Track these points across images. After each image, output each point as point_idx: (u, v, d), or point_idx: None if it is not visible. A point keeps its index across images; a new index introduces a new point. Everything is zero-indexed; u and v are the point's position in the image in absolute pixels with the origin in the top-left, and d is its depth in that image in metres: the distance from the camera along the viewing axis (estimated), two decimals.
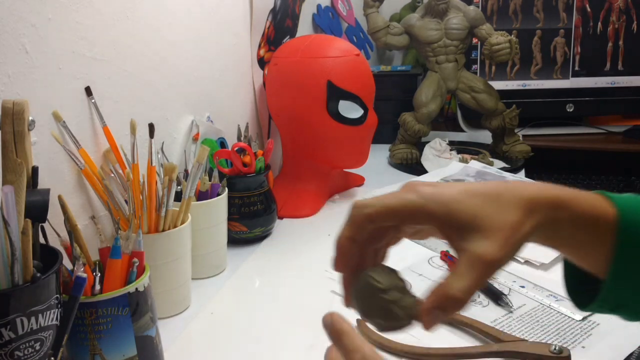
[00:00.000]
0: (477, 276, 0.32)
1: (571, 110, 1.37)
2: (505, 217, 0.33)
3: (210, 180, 0.73)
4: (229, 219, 0.76)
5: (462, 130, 1.42)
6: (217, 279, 0.72)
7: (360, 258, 0.37)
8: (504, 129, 1.16)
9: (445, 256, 0.74)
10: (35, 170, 0.44)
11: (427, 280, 0.69)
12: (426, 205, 0.34)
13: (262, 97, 1.03)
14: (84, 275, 0.44)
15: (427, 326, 0.33)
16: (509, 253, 0.33)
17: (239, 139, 0.85)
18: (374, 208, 0.34)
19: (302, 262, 0.76)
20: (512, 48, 1.10)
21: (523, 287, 0.66)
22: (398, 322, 0.34)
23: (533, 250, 0.75)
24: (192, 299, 0.67)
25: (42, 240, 0.45)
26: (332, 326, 0.34)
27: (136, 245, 0.51)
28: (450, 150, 1.19)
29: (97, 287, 0.48)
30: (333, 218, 0.91)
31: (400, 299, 0.34)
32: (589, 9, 1.34)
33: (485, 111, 1.17)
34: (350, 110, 0.90)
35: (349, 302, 0.38)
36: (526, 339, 0.56)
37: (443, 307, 0.32)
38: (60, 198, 0.48)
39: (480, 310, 0.62)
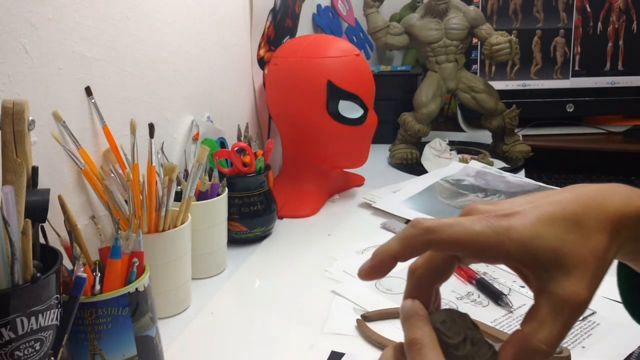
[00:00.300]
0: (564, 323, 0.28)
1: (571, 110, 1.37)
2: (590, 246, 0.29)
3: (210, 180, 0.73)
4: (229, 219, 0.76)
5: (462, 130, 1.42)
6: (217, 279, 0.72)
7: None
8: (504, 129, 1.16)
9: None
10: (35, 170, 0.44)
11: None
12: (501, 243, 0.29)
13: (262, 97, 1.03)
14: (84, 275, 0.44)
15: None
16: (597, 287, 0.29)
17: (239, 139, 0.85)
18: (439, 236, 0.30)
19: (302, 262, 0.76)
20: (512, 48, 1.10)
21: (523, 287, 0.66)
22: None
23: None
24: (192, 299, 0.67)
25: (42, 240, 0.45)
26: (407, 308, 0.32)
27: (136, 245, 0.51)
28: (450, 150, 1.19)
29: (97, 287, 0.48)
30: (333, 218, 0.91)
31: (474, 352, 0.31)
32: (589, 9, 1.34)
33: (485, 111, 1.17)
34: (350, 110, 0.90)
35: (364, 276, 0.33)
36: None
37: None
38: (60, 198, 0.48)
39: (481, 311, 0.62)
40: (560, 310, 0.28)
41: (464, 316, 0.32)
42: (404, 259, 0.31)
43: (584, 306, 0.28)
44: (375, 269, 0.32)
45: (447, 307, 0.64)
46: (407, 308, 0.32)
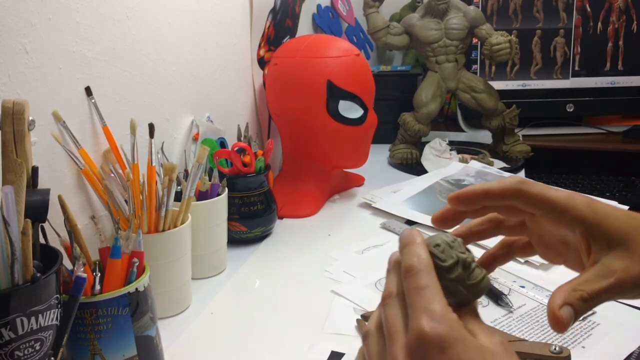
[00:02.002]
0: (608, 287, 0.32)
1: (571, 110, 1.37)
2: None
3: (210, 180, 0.73)
4: (229, 219, 0.76)
5: (462, 130, 1.42)
6: (217, 279, 0.72)
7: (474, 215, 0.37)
8: (504, 129, 1.16)
9: None
10: (35, 170, 0.44)
11: None
12: (580, 210, 0.34)
13: (262, 97, 1.03)
14: (84, 275, 0.44)
15: (560, 326, 0.32)
16: None
17: (239, 139, 0.85)
18: (530, 187, 0.35)
19: (302, 262, 0.76)
20: (512, 48, 1.10)
21: (523, 287, 0.66)
22: (463, 300, 0.33)
23: None
24: (192, 299, 0.67)
25: (42, 240, 0.45)
26: (405, 236, 0.34)
27: (136, 245, 0.51)
28: (450, 150, 1.19)
29: (97, 287, 0.48)
30: (333, 218, 0.91)
31: (465, 276, 0.33)
32: (589, 9, 1.34)
33: (485, 111, 1.17)
34: (350, 110, 0.90)
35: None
36: (526, 339, 0.56)
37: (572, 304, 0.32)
38: (60, 198, 0.48)
39: (481, 310, 0.61)
40: (608, 277, 0.32)
41: (459, 241, 0.34)
42: (492, 197, 0.36)
43: (629, 282, 0.32)
44: (466, 195, 0.37)
45: None
46: (405, 235, 0.34)
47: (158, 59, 0.73)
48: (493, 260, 0.41)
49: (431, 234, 0.35)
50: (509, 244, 0.41)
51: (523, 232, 0.39)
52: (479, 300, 0.34)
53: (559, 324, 0.32)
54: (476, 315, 0.33)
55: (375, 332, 0.33)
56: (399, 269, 0.33)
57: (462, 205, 0.37)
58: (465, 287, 0.33)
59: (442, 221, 0.38)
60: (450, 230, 0.39)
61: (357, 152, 0.95)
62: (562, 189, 0.35)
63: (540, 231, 0.38)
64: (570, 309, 0.32)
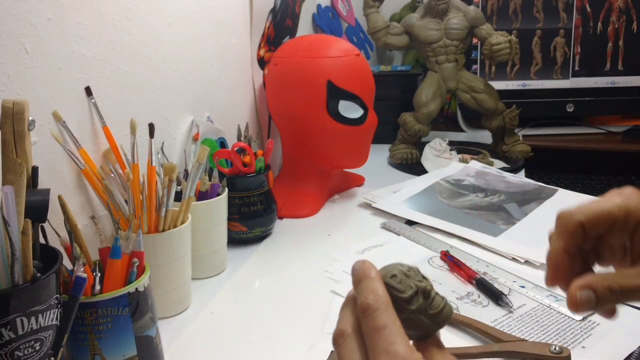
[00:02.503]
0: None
1: (571, 110, 1.37)
2: None
3: (210, 180, 0.73)
4: (229, 219, 0.76)
5: (462, 131, 1.42)
6: (217, 279, 0.72)
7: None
8: (504, 129, 1.16)
9: (445, 256, 0.73)
10: (35, 170, 0.44)
11: None
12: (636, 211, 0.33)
13: (262, 97, 1.03)
14: (84, 275, 0.44)
15: (573, 305, 0.33)
16: None
17: (239, 139, 0.85)
18: (585, 211, 0.34)
19: (302, 262, 0.76)
20: (512, 48, 1.10)
21: (523, 287, 0.66)
22: (426, 330, 0.32)
23: (533, 250, 0.76)
24: (192, 299, 0.67)
25: (42, 240, 0.45)
26: (357, 270, 0.33)
27: (136, 245, 0.51)
28: (450, 150, 1.19)
29: (97, 287, 0.48)
30: (333, 218, 0.91)
31: (427, 305, 0.31)
32: (589, 9, 1.33)
33: (485, 111, 1.17)
34: (350, 110, 0.90)
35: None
36: (526, 339, 0.56)
37: (597, 290, 0.32)
38: (60, 198, 0.48)
39: (481, 310, 0.62)
40: None
41: (415, 270, 0.33)
42: (571, 248, 0.35)
43: None
44: (554, 270, 0.36)
45: None
46: (357, 269, 0.33)
47: (158, 58, 0.73)
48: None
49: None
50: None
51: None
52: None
53: (573, 304, 0.33)
54: (440, 346, 0.32)
55: None
56: (354, 305, 0.32)
57: (562, 279, 0.36)
58: (427, 316, 0.31)
59: (556, 279, 0.36)
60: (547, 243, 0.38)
61: (357, 152, 0.95)
62: (615, 193, 0.35)
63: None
64: (591, 293, 0.32)
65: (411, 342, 0.30)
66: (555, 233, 0.35)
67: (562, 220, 0.35)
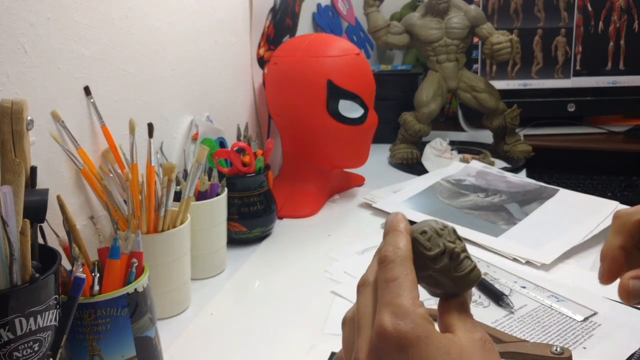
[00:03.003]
0: None
1: (572, 110, 1.36)
2: None
3: (209, 180, 0.73)
4: (229, 219, 0.76)
5: (462, 130, 1.41)
6: (216, 280, 0.72)
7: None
8: (505, 128, 1.16)
9: None
10: (33, 170, 0.44)
11: None
12: None
13: (261, 97, 1.03)
14: (83, 275, 0.44)
15: (624, 294, 0.33)
16: None
17: (238, 139, 0.85)
18: (630, 217, 0.35)
19: (302, 262, 0.76)
20: (513, 47, 1.10)
21: (524, 287, 0.66)
22: (449, 292, 0.31)
23: (534, 251, 0.75)
24: (191, 300, 0.66)
25: (40, 240, 0.45)
26: (389, 222, 0.33)
27: (135, 246, 0.51)
28: (451, 150, 1.19)
29: (96, 287, 0.47)
30: (333, 218, 0.91)
31: (452, 267, 0.31)
32: (590, 8, 1.33)
33: (486, 111, 1.16)
34: (350, 109, 0.90)
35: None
36: (527, 339, 0.56)
37: None
38: (58, 198, 0.48)
39: (481, 311, 0.62)
40: None
41: (450, 229, 0.32)
42: (628, 245, 0.36)
43: None
44: (610, 267, 0.36)
45: None
46: (389, 221, 0.33)
47: (157, 58, 0.73)
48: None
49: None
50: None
51: None
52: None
53: (624, 292, 0.33)
54: (462, 308, 0.31)
55: (350, 320, 0.33)
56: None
57: (616, 276, 0.36)
58: (451, 278, 0.31)
59: (611, 276, 0.36)
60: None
61: (357, 152, 0.95)
62: None
63: None
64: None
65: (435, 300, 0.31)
66: (612, 231, 0.36)
67: (621, 218, 0.36)
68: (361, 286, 0.32)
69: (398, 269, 0.30)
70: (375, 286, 0.31)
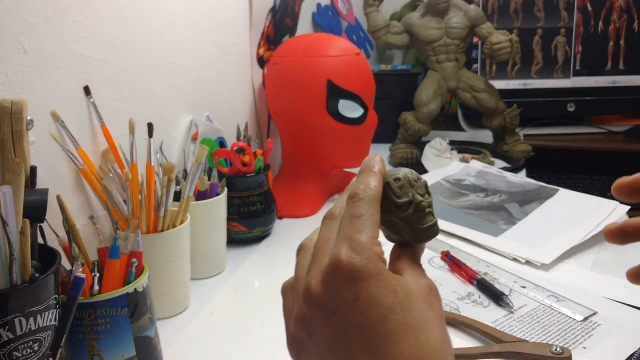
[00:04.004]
0: None
1: (572, 110, 1.36)
2: None
3: (209, 180, 0.73)
4: (229, 219, 0.76)
5: (462, 130, 1.41)
6: (216, 280, 0.72)
7: None
8: (505, 128, 1.16)
9: (445, 256, 0.73)
10: (33, 170, 0.44)
11: None
12: None
13: (261, 97, 1.03)
14: (83, 275, 0.44)
15: None
16: None
17: (238, 139, 0.85)
18: None
19: None
20: (513, 47, 1.10)
21: (524, 287, 0.66)
22: (406, 241, 0.33)
23: (534, 251, 0.75)
24: (191, 300, 0.66)
25: (40, 240, 0.45)
26: (366, 162, 0.33)
27: (135, 246, 0.51)
28: (451, 150, 1.19)
29: (96, 287, 0.47)
30: None
31: (414, 219, 0.32)
32: (590, 8, 1.33)
33: (486, 111, 1.16)
34: (350, 109, 0.90)
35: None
36: (527, 339, 0.56)
37: None
38: (59, 198, 0.48)
39: (481, 311, 0.62)
40: None
41: (423, 182, 0.33)
42: None
43: None
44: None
45: (448, 307, 0.64)
46: (367, 161, 0.34)
47: (157, 58, 0.72)
48: None
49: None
50: None
51: None
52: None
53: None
54: (414, 257, 0.32)
55: (307, 248, 0.33)
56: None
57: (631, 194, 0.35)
58: (411, 229, 0.32)
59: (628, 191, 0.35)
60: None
61: (357, 152, 0.95)
62: None
63: None
64: None
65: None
66: None
67: None
68: (327, 218, 0.33)
69: (365, 207, 0.31)
70: (339, 220, 0.32)
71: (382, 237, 0.32)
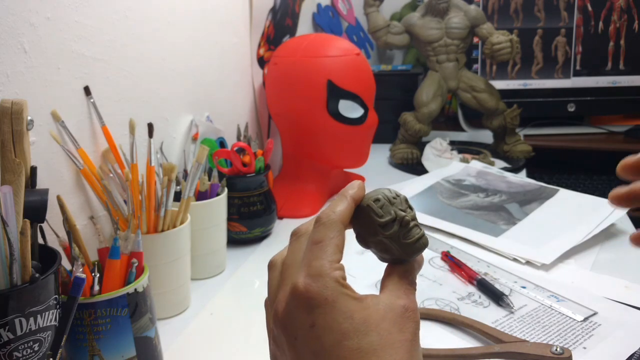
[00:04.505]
0: None
1: (572, 110, 1.36)
2: None
3: (209, 180, 0.73)
4: (229, 219, 0.76)
5: (462, 130, 1.41)
6: (216, 280, 0.72)
7: None
8: (505, 128, 1.16)
9: (445, 256, 0.73)
10: (33, 170, 0.44)
11: (427, 280, 0.69)
12: None
13: (261, 97, 1.03)
14: (83, 275, 0.44)
15: None
16: None
17: (238, 139, 0.85)
18: None
19: None
20: (513, 47, 1.10)
21: (524, 287, 0.66)
22: (397, 258, 0.33)
23: (534, 251, 0.75)
24: (191, 300, 0.66)
25: (40, 240, 0.45)
26: (344, 188, 0.34)
27: (135, 246, 0.51)
28: (451, 150, 1.19)
29: (96, 287, 0.47)
30: None
31: (401, 235, 0.32)
32: (590, 8, 1.33)
33: (486, 111, 1.16)
34: (350, 109, 0.90)
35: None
36: (527, 339, 0.56)
37: None
38: (59, 198, 0.48)
39: (481, 311, 0.62)
40: None
41: (402, 198, 0.33)
42: None
43: None
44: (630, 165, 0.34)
45: (448, 307, 0.64)
46: (347, 185, 0.34)
47: (157, 58, 0.72)
48: None
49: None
50: None
51: None
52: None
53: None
54: (404, 275, 0.32)
55: (277, 267, 0.34)
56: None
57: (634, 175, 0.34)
58: (399, 245, 0.32)
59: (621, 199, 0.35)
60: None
61: (357, 152, 0.95)
62: None
63: None
64: None
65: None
66: None
67: None
68: (294, 235, 0.33)
69: (324, 232, 0.31)
70: (305, 239, 0.33)
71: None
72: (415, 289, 0.33)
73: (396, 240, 0.32)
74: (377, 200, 0.33)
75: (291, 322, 0.30)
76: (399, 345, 0.29)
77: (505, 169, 1.08)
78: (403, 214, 0.32)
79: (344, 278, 0.31)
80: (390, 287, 0.32)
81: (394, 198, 0.33)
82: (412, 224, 0.33)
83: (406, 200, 0.34)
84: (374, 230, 0.32)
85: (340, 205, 0.32)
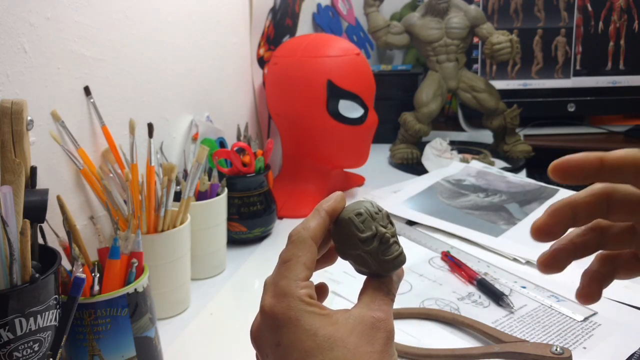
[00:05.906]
0: None
1: (572, 110, 1.36)
2: None
3: (209, 180, 0.73)
4: (229, 219, 0.76)
5: (462, 130, 1.41)
6: (216, 280, 0.72)
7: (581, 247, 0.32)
8: (505, 128, 1.16)
9: (445, 256, 0.73)
10: (33, 170, 0.44)
11: (427, 280, 0.69)
12: None
13: (261, 97, 1.03)
14: (83, 275, 0.44)
15: None
16: None
17: (238, 139, 0.85)
18: (611, 156, 0.28)
19: None
20: (513, 47, 1.10)
21: (524, 287, 0.66)
22: (375, 273, 0.33)
23: (534, 251, 0.75)
24: (191, 300, 0.66)
25: (40, 240, 0.45)
26: (324, 199, 0.34)
27: (135, 246, 0.51)
28: (451, 150, 1.19)
29: (96, 287, 0.47)
30: None
31: (380, 251, 0.32)
32: (590, 8, 1.33)
33: (486, 111, 1.16)
34: (350, 109, 0.90)
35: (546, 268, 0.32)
36: (527, 339, 0.56)
37: None
38: (58, 198, 0.48)
39: (481, 311, 0.62)
40: None
41: (384, 213, 0.34)
42: (609, 168, 0.28)
43: None
44: (575, 163, 0.28)
45: (448, 307, 0.64)
46: (325, 198, 0.34)
47: (157, 58, 0.72)
48: (596, 281, 0.34)
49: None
50: (610, 259, 0.34)
51: (631, 243, 0.33)
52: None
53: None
54: (379, 288, 0.33)
55: (267, 284, 0.34)
56: None
57: (567, 176, 0.28)
58: (377, 261, 0.32)
59: (543, 233, 0.30)
60: (549, 245, 0.32)
61: (357, 152, 0.95)
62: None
63: None
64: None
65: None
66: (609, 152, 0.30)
67: (589, 155, 0.29)
68: (291, 237, 0.34)
69: (293, 250, 0.32)
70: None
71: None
72: (391, 300, 0.33)
73: (375, 256, 0.32)
74: (359, 214, 0.33)
75: (261, 341, 0.31)
76: (367, 358, 0.29)
77: (505, 169, 1.08)
78: (384, 230, 0.33)
79: (311, 296, 0.31)
80: (364, 300, 0.32)
81: (375, 213, 0.33)
82: (391, 240, 0.33)
83: (387, 215, 0.34)
84: (353, 244, 0.33)
85: (312, 221, 0.33)
